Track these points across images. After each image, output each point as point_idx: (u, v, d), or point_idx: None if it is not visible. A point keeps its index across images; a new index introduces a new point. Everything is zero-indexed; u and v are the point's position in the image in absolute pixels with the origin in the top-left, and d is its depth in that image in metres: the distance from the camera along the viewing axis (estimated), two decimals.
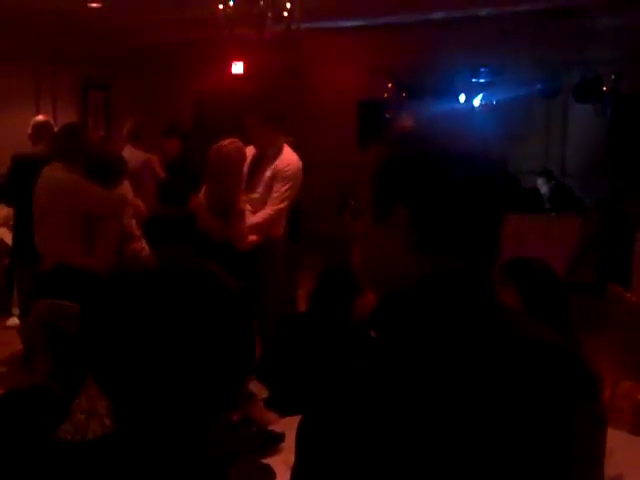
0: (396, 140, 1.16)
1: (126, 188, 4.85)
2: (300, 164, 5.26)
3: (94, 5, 8.11)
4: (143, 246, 4.94)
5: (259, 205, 4.97)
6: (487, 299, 1.10)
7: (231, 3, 6.40)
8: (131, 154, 6.06)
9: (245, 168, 5.03)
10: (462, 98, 9.71)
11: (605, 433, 1.13)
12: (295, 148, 5.45)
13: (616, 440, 1.88)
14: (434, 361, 1.02)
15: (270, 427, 2.61)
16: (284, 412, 2.75)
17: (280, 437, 2.49)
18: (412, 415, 0.98)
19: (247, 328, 1.16)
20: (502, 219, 1.12)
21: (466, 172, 1.08)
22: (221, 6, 6.41)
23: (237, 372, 1.14)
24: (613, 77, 8.81)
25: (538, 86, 9.18)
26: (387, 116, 9.98)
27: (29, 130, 6.32)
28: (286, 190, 5.19)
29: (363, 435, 0.98)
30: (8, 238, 7.53)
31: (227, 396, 1.15)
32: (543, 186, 8.92)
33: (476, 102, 9.72)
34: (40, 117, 6.64)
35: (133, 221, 4.94)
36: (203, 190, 4.80)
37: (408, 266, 1.09)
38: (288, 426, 2.47)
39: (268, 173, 5.10)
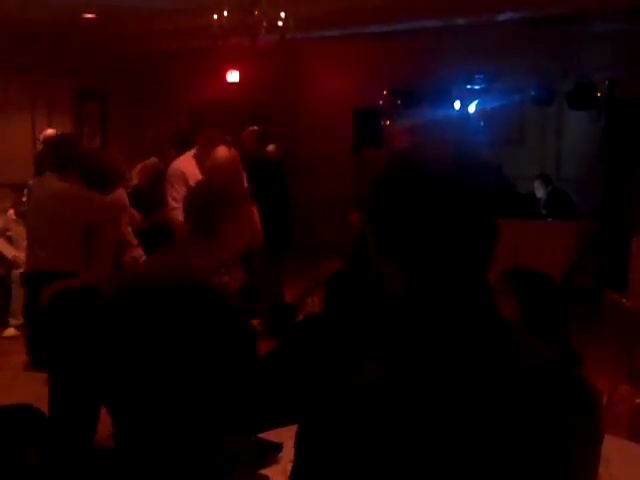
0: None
1: (122, 195, 4.83)
2: None
3: (89, 16, 8.13)
4: (141, 253, 4.94)
5: None
6: (481, 313, 1.11)
7: (226, 13, 6.41)
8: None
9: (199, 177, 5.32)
10: (457, 105, 9.74)
11: (600, 448, 1.14)
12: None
13: (614, 446, 1.88)
14: (433, 374, 1.03)
15: (268, 437, 2.60)
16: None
17: (278, 447, 2.48)
18: (408, 426, 0.99)
19: (252, 350, 1.17)
20: (472, 231, 1.10)
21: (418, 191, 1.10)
22: (216, 16, 6.43)
23: (240, 393, 1.14)
24: (607, 83, 8.84)
25: (532, 93, 9.21)
26: (383, 123, 10.03)
27: (40, 146, 6.31)
28: None
29: (360, 444, 0.98)
30: (5, 249, 7.54)
31: (231, 417, 1.15)
32: (540, 189, 8.87)
33: (471, 109, 9.75)
34: (50, 131, 6.63)
35: (129, 229, 4.94)
36: None
37: (396, 284, 1.12)
38: (286, 436, 2.46)
39: None
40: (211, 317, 1.11)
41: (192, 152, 5.65)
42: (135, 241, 5.00)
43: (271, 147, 7.62)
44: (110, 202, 4.40)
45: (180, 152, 6.86)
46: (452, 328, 1.06)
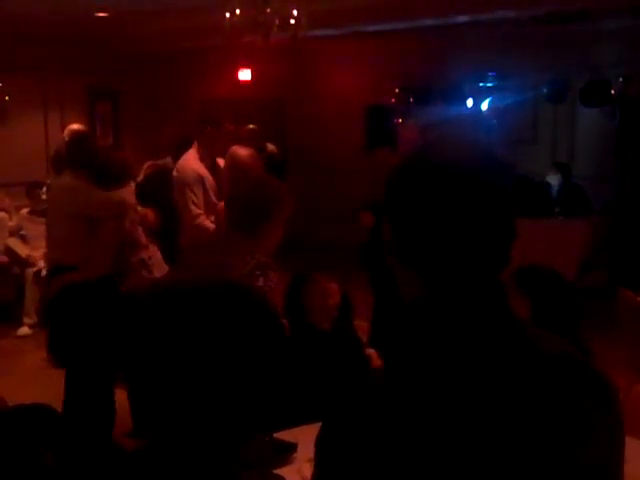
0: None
1: (127, 193, 4.77)
2: None
3: (101, 14, 8.15)
4: (151, 254, 4.90)
5: None
6: (497, 313, 1.10)
7: (238, 11, 6.42)
8: None
9: (212, 179, 5.16)
10: (470, 103, 9.71)
11: (623, 445, 1.13)
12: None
13: (630, 447, 1.86)
14: (452, 374, 1.03)
15: (283, 437, 2.61)
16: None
17: (293, 447, 2.49)
18: (430, 430, 0.99)
19: (285, 355, 1.18)
20: (485, 232, 1.09)
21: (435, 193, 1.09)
22: (228, 14, 6.43)
23: (272, 394, 1.15)
24: (621, 80, 8.79)
25: (545, 90, 9.16)
26: (395, 121, 10.00)
27: (66, 139, 6.30)
28: None
29: (383, 447, 0.99)
30: (19, 248, 7.58)
31: (260, 418, 1.16)
32: (552, 178, 8.75)
33: (484, 106, 9.73)
34: (75, 126, 6.61)
35: (139, 229, 4.88)
36: None
37: (408, 285, 1.13)
38: (301, 436, 2.46)
39: None
40: (248, 318, 1.12)
41: (194, 151, 5.23)
42: (145, 241, 4.94)
43: (271, 147, 7.53)
44: (113, 199, 4.45)
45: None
46: (471, 328, 1.06)
